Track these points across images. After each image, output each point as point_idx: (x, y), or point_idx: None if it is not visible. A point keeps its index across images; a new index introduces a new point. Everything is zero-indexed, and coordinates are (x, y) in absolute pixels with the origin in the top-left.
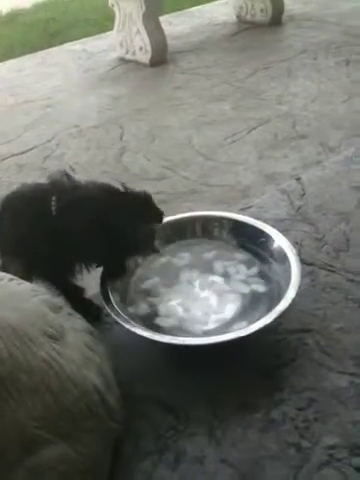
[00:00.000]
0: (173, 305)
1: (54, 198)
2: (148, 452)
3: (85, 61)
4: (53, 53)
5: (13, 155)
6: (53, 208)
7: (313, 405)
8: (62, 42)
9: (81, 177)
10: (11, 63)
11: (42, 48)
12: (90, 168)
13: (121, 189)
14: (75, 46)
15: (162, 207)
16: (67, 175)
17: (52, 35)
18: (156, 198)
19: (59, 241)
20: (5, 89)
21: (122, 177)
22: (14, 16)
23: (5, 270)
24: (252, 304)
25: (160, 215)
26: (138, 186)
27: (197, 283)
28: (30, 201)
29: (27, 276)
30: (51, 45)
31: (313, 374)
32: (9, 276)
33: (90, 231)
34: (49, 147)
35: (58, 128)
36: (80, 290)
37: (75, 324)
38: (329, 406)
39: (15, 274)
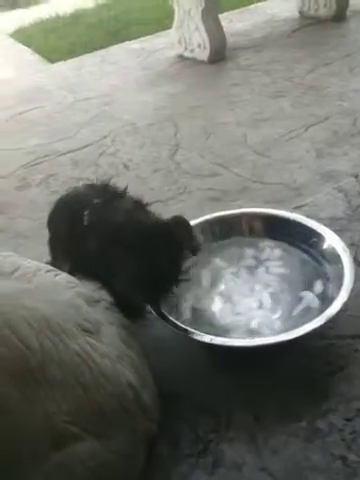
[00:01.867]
0: (217, 304)
1: (86, 212)
2: (186, 454)
3: (144, 59)
4: (113, 51)
5: (69, 151)
6: (85, 219)
7: None
8: (122, 41)
9: (132, 176)
10: (72, 62)
11: (103, 47)
12: (143, 165)
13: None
14: (134, 44)
15: (212, 205)
16: (106, 186)
17: (113, 34)
18: (207, 195)
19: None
20: (65, 87)
21: (174, 174)
22: (77, 17)
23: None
24: (303, 307)
25: (195, 248)
26: (190, 183)
27: (242, 282)
28: (71, 207)
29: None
30: (112, 44)
31: None
32: (47, 267)
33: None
34: (104, 144)
35: (114, 125)
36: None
37: (112, 318)
38: None
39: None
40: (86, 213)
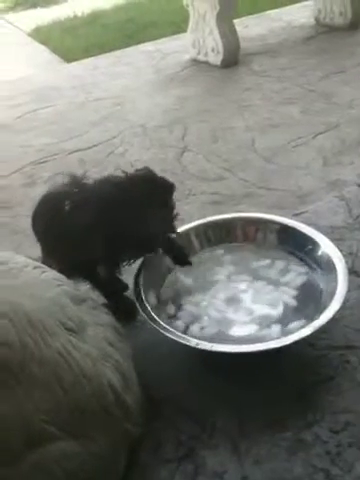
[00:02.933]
0: (209, 309)
1: (67, 202)
2: (167, 460)
3: (158, 61)
4: (128, 53)
5: (78, 150)
6: (66, 209)
7: (349, 429)
8: (138, 43)
9: None
10: (87, 62)
11: (119, 48)
12: (150, 166)
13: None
14: (149, 47)
15: (215, 208)
16: (75, 177)
17: (129, 36)
18: (211, 199)
19: (77, 240)
20: (78, 86)
21: (180, 176)
22: (94, 17)
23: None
24: (293, 314)
25: (169, 188)
26: (194, 186)
27: (236, 288)
28: (50, 205)
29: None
30: (128, 45)
31: (353, 395)
32: (35, 264)
33: (96, 228)
34: (113, 144)
35: (124, 126)
36: (121, 287)
37: (98, 318)
38: None
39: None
40: (67, 203)
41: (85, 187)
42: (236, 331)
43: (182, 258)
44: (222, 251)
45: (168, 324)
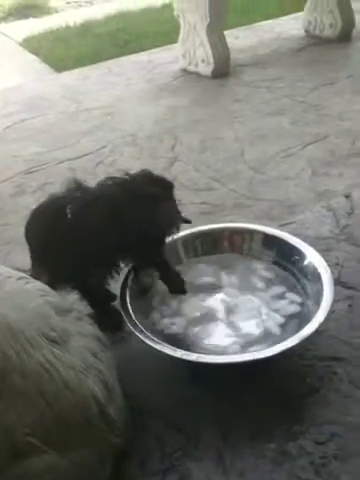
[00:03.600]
0: (195, 319)
1: (69, 207)
2: (152, 472)
3: (148, 72)
4: (119, 63)
5: (68, 160)
6: (68, 216)
7: (334, 440)
8: (130, 53)
9: None
10: (78, 72)
11: (110, 58)
12: None
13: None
14: (141, 57)
15: (204, 219)
16: (78, 183)
17: (121, 46)
18: (200, 209)
19: (78, 247)
20: (69, 96)
21: None
22: (86, 27)
23: (35, 277)
24: (281, 325)
25: (169, 186)
26: (184, 196)
27: (223, 299)
28: (49, 211)
29: (52, 283)
30: (119, 56)
31: (338, 406)
32: (19, 274)
33: (103, 230)
34: (103, 154)
35: (114, 136)
36: (110, 297)
37: (82, 329)
38: (352, 443)
39: (43, 281)
40: (69, 207)
41: (88, 190)
42: (220, 341)
43: (178, 285)
44: (207, 261)
45: (153, 334)
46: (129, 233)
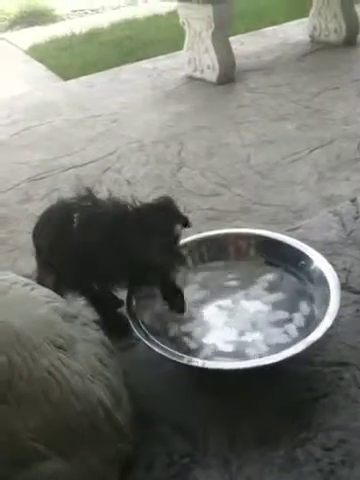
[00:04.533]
0: (204, 326)
1: (76, 215)
2: (158, 478)
3: (154, 79)
4: (125, 70)
5: (75, 166)
6: (75, 224)
7: (342, 446)
8: (136, 60)
9: (133, 191)
10: (84, 79)
11: (116, 66)
12: (146, 182)
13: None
14: (147, 64)
15: (210, 224)
16: (90, 191)
17: (126, 53)
18: (206, 214)
19: (81, 255)
20: (75, 104)
21: (176, 192)
22: (92, 35)
23: (40, 281)
24: (288, 331)
25: (184, 220)
26: (190, 202)
27: (230, 305)
28: (58, 217)
29: (58, 288)
30: (125, 63)
31: (346, 412)
32: (25, 281)
33: (104, 246)
34: (109, 160)
35: (120, 142)
36: (116, 303)
37: (88, 336)
38: None
39: (48, 286)
40: (76, 215)
41: (98, 203)
42: (229, 347)
43: (177, 305)
44: (214, 267)
45: (160, 341)
46: (125, 258)
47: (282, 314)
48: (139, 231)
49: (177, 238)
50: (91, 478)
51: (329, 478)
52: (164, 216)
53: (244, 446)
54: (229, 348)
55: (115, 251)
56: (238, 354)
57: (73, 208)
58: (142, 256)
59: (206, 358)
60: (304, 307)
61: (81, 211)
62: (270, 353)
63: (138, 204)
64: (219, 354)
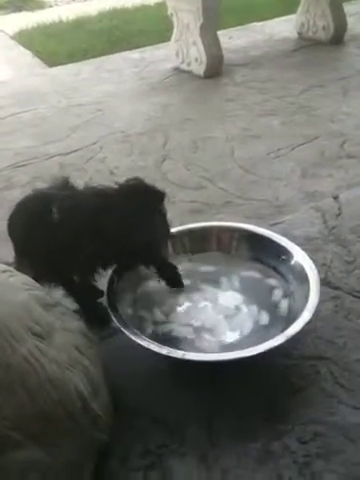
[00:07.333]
0: (183, 317)
1: (55, 206)
2: (134, 468)
3: (141, 69)
4: (112, 60)
5: (59, 154)
6: (54, 215)
7: (317, 439)
8: (123, 50)
9: (116, 181)
10: (70, 67)
11: (103, 55)
12: (129, 173)
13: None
14: (134, 54)
15: (193, 217)
16: (67, 181)
17: (114, 43)
18: (189, 207)
19: (60, 247)
20: (60, 91)
21: (159, 184)
22: (79, 23)
23: (19, 270)
24: (267, 324)
25: (158, 198)
26: (173, 194)
27: (210, 297)
28: (34, 206)
29: (36, 277)
30: (112, 52)
31: (322, 406)
32: (4, 267)
33: (88, 236)
34: (93, 150)
35: (105, 132)
36: (96, 294)
37: (68, 324)
38: (335, 442)
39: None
40: (54, 207)
41: (76, 193)
42: (208, 338)
43: (175, 279)
44: (194, 259)
45: (140, 331)
46: (111, 244)
47: (261, 307)
48: (126, 214)
49: (165, 215)
50: (67, 466)
51: (304, 470)
52: (145, 195)
53: (221, 438)
54: (206, 340)
55: (102, 239)
56: (213, 346)
57: (50, 199)
58: (134, 239)
59: (184, 349)
60: (283, 301)
61: (60, 202)
62: (248, 346)
63: (114, 188)
64: (197, 348)
